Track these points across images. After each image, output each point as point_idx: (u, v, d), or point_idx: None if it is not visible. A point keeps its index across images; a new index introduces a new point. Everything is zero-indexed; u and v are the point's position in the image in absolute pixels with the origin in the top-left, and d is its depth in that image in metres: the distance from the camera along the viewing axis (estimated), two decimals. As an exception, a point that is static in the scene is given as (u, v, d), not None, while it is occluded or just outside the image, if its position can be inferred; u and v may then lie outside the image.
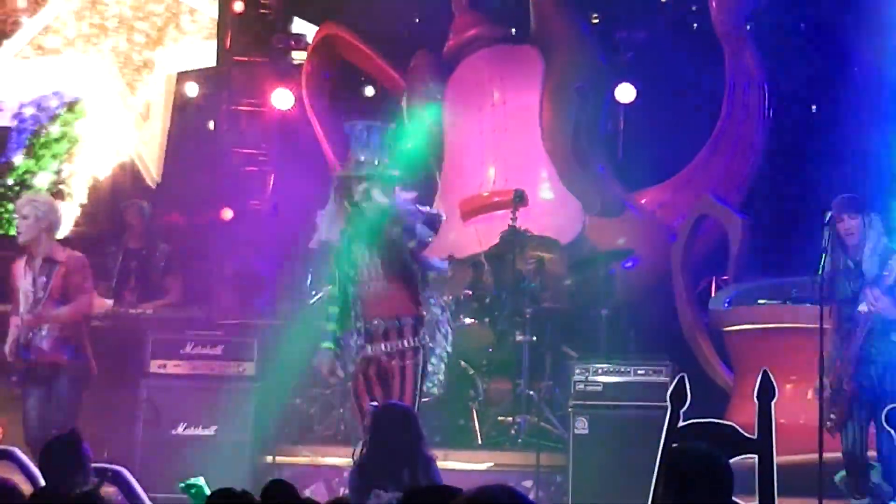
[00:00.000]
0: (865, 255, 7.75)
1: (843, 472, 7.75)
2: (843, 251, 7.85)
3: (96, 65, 12.85)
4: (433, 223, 8.09)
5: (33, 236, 8.67)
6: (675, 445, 4.53)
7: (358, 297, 7.97)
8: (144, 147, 12.83)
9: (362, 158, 7.95)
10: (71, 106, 12.78)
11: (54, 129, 12.78)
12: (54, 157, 12.69)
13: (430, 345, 8.01)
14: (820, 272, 7.60)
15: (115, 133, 12.82)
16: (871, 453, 7.78)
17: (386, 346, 7.92)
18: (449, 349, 8.29)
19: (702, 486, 4.38)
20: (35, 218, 8.65)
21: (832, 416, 7.71)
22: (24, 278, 8.67)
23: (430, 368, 8.05)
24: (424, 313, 8.05)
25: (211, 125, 12.94)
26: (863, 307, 7.67)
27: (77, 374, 8.74)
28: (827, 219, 7.76)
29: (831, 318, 7.80)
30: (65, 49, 12.89)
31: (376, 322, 7.92)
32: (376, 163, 7.94)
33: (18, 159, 12.66)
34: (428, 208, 8.25)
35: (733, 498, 5.59)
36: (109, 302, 10.14)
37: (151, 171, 12.80)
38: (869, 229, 7.78)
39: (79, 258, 8.91)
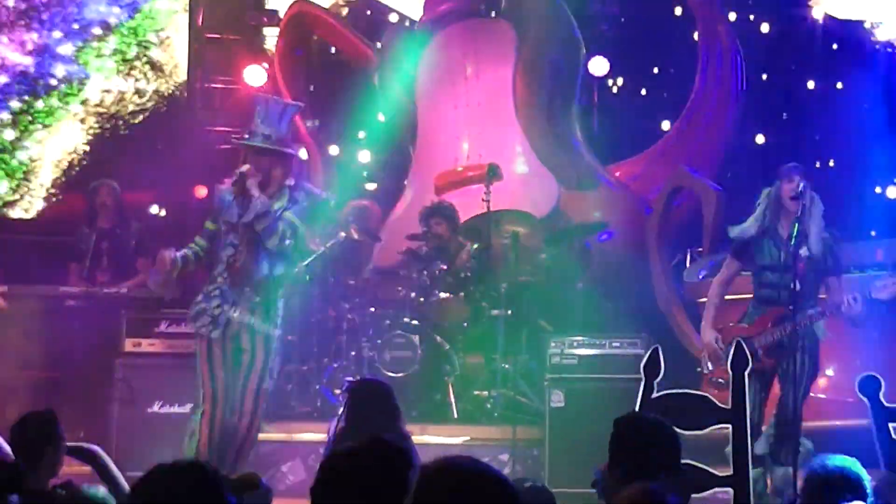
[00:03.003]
0: (812, 235, 7.74)
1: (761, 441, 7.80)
2: (777, 215, 7.88)
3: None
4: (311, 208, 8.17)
5: None
6: (620, 416, 4.73)
7: (231, 261, 8.04)
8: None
9: (267, 132, 8.02)
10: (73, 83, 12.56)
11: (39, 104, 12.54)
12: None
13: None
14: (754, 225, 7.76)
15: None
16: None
17: (252, 320, 7.98)
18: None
19: (650, 452, 4.57)
20: None
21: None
22: None
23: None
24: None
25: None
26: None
27: None
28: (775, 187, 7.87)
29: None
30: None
31: (248, 290, 8.01)
32: (275, 139, 8.02)
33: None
34: (312, 190, 8.31)
35: (700, 465, 5.73)
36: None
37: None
38: (813, 207, 7.78)
39: None
